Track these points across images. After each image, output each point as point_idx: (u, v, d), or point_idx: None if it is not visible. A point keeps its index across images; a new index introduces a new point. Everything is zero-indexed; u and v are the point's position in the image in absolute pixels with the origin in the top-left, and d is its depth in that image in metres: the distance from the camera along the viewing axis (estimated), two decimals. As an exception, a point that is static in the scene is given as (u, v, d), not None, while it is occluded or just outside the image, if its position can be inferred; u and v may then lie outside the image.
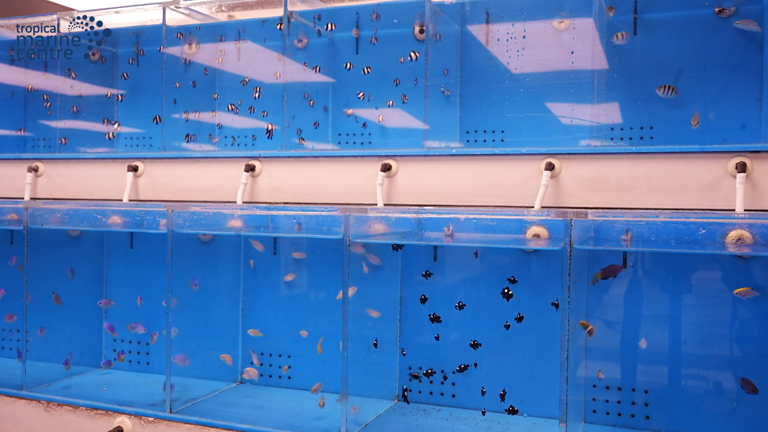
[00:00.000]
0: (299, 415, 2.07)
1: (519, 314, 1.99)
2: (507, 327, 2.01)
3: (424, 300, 2.12)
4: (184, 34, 2.55)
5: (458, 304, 2.05)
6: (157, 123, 2.63)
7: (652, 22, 2.06)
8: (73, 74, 2.70)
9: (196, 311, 2.24)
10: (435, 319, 2.08)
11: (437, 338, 2.12)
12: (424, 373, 2.11)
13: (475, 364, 2.09)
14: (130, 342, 2.61)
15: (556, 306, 1.89)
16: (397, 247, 1.99)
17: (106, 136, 2.76)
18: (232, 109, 2.58)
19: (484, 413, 2.05)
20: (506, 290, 1.96)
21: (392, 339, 2.19)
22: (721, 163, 1.80)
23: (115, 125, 2.76)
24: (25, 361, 2.33)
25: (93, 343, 2.62)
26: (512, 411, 1.99)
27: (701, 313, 1.88)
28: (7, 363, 2.61)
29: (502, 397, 2.03)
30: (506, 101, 2.21)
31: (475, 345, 2.05)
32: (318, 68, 2.43)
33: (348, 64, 2.41)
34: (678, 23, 2.04)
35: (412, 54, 2.28)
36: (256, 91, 2.51)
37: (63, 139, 2.70)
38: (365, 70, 2.37)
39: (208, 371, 2.34)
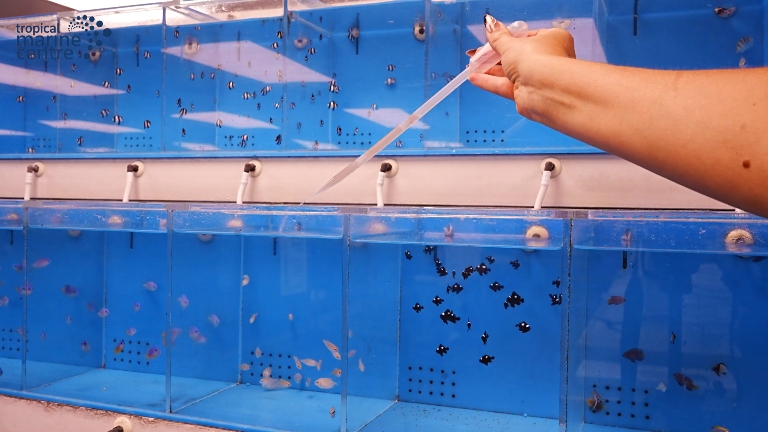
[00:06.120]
0: (299, 414, 2.08)
1: (517, 303, 1.99)
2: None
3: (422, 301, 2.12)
4: (184, 33, 2.55)
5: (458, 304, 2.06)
6: (147, 127, 2.65)
7: (652, 22, 2.06)
8: (73, 74, 2.70)
9: (197, 311, 2.25)
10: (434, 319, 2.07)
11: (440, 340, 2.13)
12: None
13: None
14: (130, 342, 2.61)
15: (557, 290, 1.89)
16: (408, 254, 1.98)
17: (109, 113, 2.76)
18: (229, 107, 2.58)
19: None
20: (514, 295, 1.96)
21: (392, 339, 2.19)
22: (721, 163, 1.80)
23: (117, 120, 2.76)
24: (25, 361, 2.33)
25: (93, 343, 2.62)
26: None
27: (701, 313, 1.88)
28: (7, 363, 2.61)
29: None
30: (506, 101, 2.20)
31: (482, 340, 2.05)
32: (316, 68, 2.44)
33: (348, 64, 2.40)
34: (678, 23, 2.04)
35: (413, 55, 2.28)
36: (255, 91, 2.52)
37: (59, 143, 2.70)
38: (365, 70, 2.37)
39: (208, 371, 2.34)
